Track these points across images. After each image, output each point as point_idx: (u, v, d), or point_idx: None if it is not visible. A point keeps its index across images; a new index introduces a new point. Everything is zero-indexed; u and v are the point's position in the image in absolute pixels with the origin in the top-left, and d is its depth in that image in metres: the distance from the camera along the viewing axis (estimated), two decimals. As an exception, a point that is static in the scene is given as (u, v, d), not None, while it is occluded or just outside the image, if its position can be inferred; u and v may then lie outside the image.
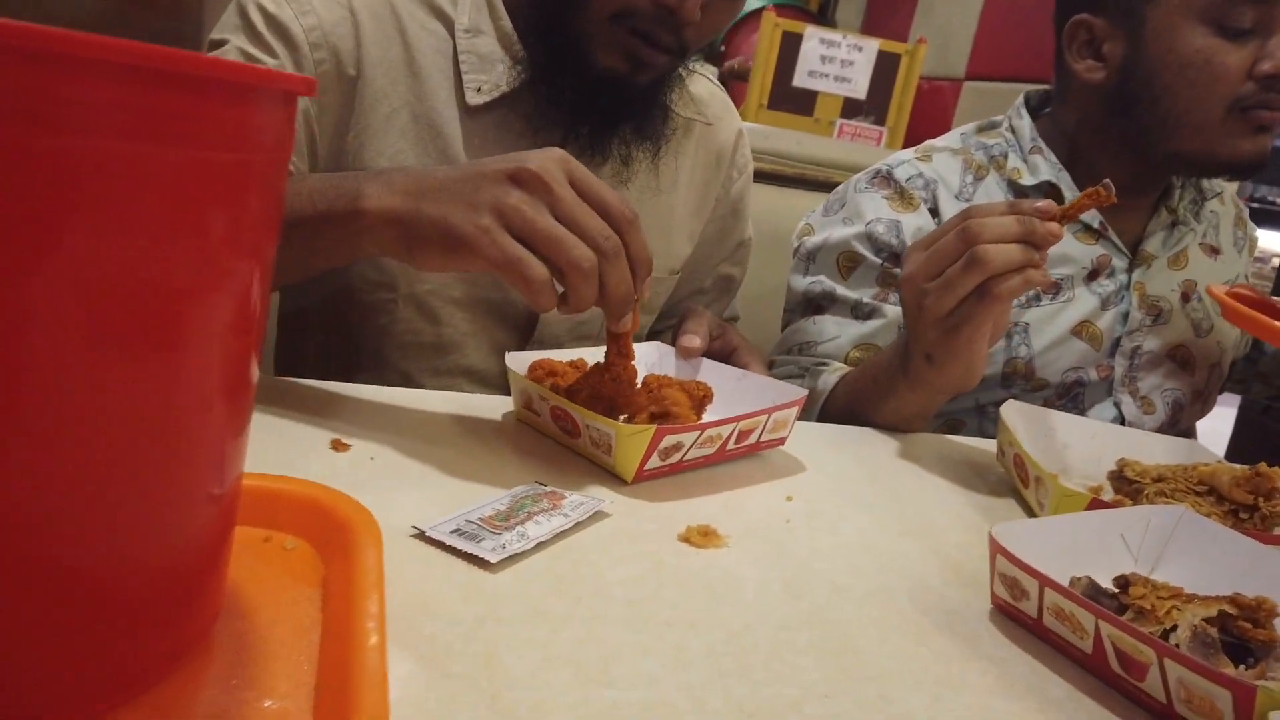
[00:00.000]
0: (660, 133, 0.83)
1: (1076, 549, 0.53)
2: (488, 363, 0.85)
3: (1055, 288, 0.98)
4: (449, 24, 0.80)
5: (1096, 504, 0.59)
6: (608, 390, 0.63)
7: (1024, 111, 1.03)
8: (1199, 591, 0.48)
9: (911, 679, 0.43)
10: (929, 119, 2.38)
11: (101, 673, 0.31)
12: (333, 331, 0.86)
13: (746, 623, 0.45)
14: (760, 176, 1.33)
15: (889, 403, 0.81)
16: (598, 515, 0.54)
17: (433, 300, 0.82)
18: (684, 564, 0.50)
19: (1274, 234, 3.76)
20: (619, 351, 0.63)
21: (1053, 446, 0.76)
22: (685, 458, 0.61)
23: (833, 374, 0.91)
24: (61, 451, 0.27)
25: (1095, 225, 0.99)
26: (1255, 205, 4.03)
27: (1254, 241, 1.12)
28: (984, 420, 1.00)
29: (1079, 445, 0.76)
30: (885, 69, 2.14)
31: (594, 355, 0.70)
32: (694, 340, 0.77)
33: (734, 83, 2.39)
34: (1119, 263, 0.99)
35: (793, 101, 2.14)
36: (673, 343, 0.78)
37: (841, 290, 0.97)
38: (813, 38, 2.11)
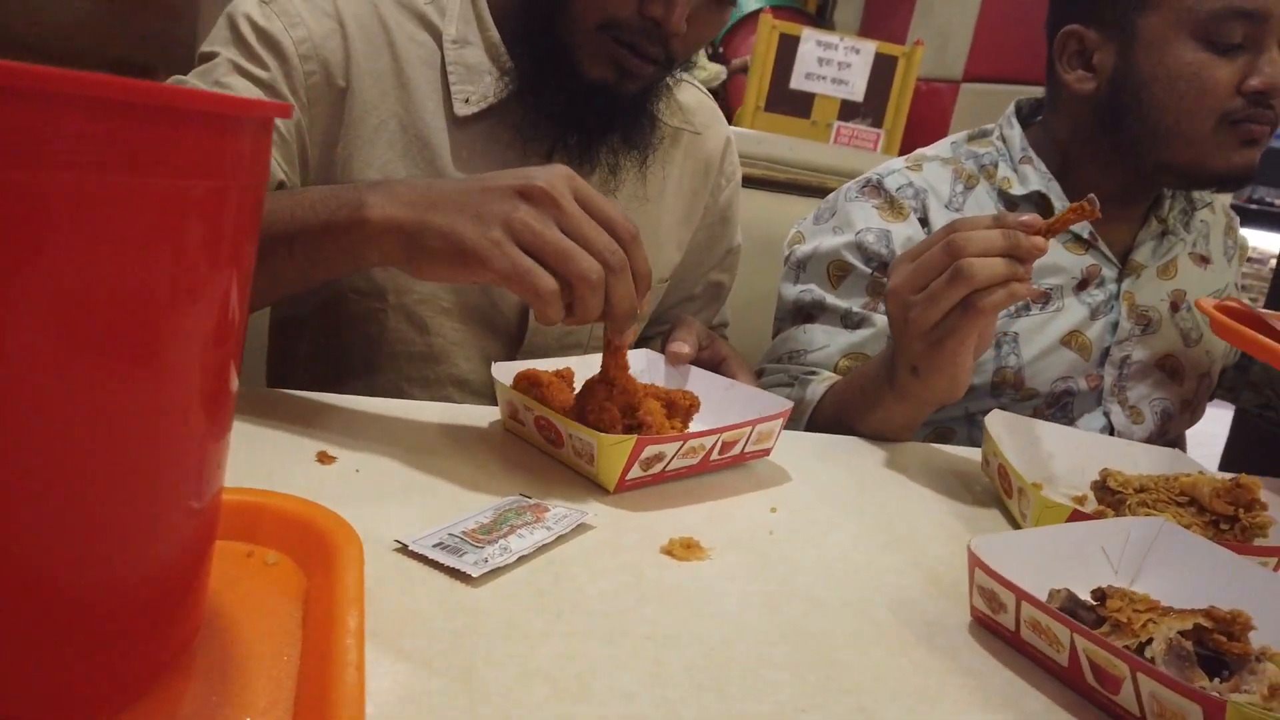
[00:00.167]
0: (648, 142, 0.84)
1: (1057, 561, 0.54)
2: (477, 372, 0.86)
3: (1045, 297, 0.98)
4: (437, 35, 0.80)
5: (1078, 515, 0.60)
6: (617, 402, 0.63)
7: (1014, 121, 1.03)
8: (1177, 603, 0.49)
9: (889, 691, 0.43)
10: (927, 121, 2.38)
11: (78, 689, 0.31)
12: (323, 340, 0.86)
13: (725, 637, 0.46)
14: (752, 182, 1.34)
15: (876, 413, 0.82)
16: (581, 528, 0.54)
17: (422, 310, 0.82)
18: (665, 577, 0.51)
19: (1273, 235, 3.76)
20: (618, 364, 0.64)
21: (1038, 456, 0.76)
22: (668, 468, 0.62)
23: (821, 383, 0.91)
24: (35, 466, 0.27)
25: (1085, 235, 0.99)
26: (1254, 206, 4.03)
27: (1244, 250, 1.13)
28: (974, 428, 1.00)
29: (1064, 455, 0.76)
30: (883, 71, 2.14)
31: (580, 364, 0.71)
32: (683, 347, 0.77)
33: (742, 77, 2.38)
34: (1108, 272, 1.00)
35: (790, 103, 2.15)
36: (662, 350, 0.79)
37: (831, 299, 0.98)
38: (810, 40, 2.12)
